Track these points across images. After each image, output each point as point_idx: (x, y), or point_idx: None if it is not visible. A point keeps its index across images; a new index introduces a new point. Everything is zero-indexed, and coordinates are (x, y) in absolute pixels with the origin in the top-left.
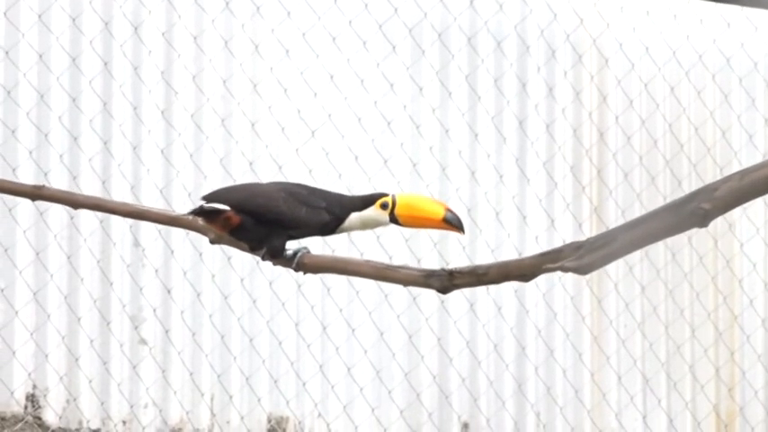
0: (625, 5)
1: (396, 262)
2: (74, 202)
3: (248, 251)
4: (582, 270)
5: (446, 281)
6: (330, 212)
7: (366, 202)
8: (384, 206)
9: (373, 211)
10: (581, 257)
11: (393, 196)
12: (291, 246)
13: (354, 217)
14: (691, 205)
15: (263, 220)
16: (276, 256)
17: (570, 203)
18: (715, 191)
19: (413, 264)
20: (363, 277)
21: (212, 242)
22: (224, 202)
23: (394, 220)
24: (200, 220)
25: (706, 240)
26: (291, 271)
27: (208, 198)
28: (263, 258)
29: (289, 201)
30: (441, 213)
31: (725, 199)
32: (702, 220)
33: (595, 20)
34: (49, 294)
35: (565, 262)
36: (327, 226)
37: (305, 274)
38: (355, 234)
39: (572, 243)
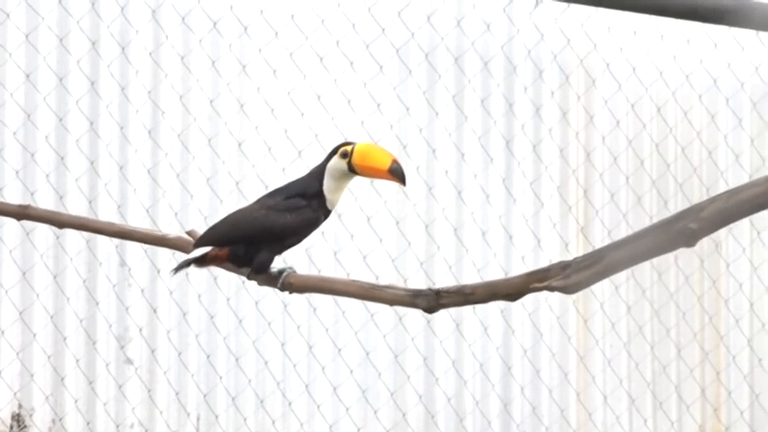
0: (612, 26)
1: (382, 282)
2: (59, 221)
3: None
4: (569, 289)
5: (433, 300)
6: (311, 204)
7: (330, 154)
8: (344, 155)
9: (335, 161)
10: (568, 277)
11: (353, 145)
12: (277, 265)
13: (326, 179)
14: (678, 225)
15: (255, 242)
16: (261, 271)
17: (557, 223)
18: (702, 211)
19: (399, 283)
20: (350, 297)
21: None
22: (209, 243)
23: (352, 169)
24: (193, 267)
25: (692, 260)
26: (277, 291)
27: (196, 245)
28: (249, 277)
29: (270, 215)
30: (387, 163)
31: (712, 219)
32: (689, 239)
33: (582, 40)
34: (35, 314)
35: (552, 281)
36: (318, 218)
37: (291, 293)
38: (341, 255)
39: (559, 262)
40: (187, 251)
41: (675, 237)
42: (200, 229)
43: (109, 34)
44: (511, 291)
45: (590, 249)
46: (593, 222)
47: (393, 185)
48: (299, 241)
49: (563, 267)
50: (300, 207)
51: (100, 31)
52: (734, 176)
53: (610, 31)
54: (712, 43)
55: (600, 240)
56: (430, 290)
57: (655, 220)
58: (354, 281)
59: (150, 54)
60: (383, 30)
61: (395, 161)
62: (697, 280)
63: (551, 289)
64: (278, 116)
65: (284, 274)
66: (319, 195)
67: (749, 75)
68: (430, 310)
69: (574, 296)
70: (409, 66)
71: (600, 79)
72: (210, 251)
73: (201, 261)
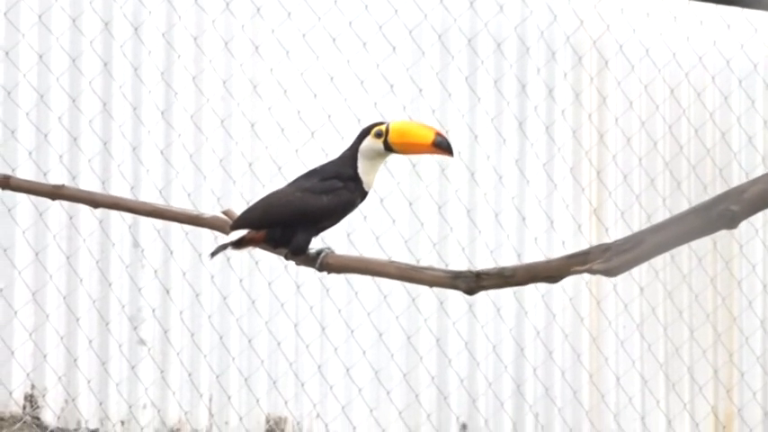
0: (625, 7)
1: (422, 263)
2: (93, 201)
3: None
4: (610, 272)
5: (472, 282)
6: (347, 186)
7: (362, 135)
8: (378, 134)
9: (369, 141)
10: (609, 260)
11: (387, 124)
12: (315, 246)
13: (360, 161)
14: (719, 207)
15: (292, 224)
16: (298, 253)
17: (570, 205)
18: (743, 193)
19: (440, 265)
20: (388, 278)
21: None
22: (245, 226)
23: (389, 147)
24: (230, 249)
25: (705, 242)
26: (290, 271)
27: (232, 227)
28: (286, 258)
29: (306, 198)
30: (430, 137)
31: (753, 201)
32: (730, 222)
33: (595, 21)
34: (48, 294)
35: (593, 264)
36: (354, 200)
37: (329, 273)
38: (354, 236)
39: (600, 245)
40: (223, 231)
41: (716, 219)
42: (216, 210)
43: (122, 15)
44: (551, 273)
45: (603, 231)
46: (605, 204)
47: (440, 158)
48: (335, 223)
49: (604, 250)
50: (337, 189)
51: (113, 11)
52: (747, 158)
53: (623, 12)
54: (725, 24)
55: (613, 222)
56: (470, 271)
57: (668, 202)
58: (393, 262)
59: (163, 35)
60: (396, 11)
61: (438, 134)
62: (710, 261)
63: (593, 272)
64: (291, 97)
65: (322, 254)
66: (355, 178)
67: (762, 56)
68: (470, 291)
69: (587, 277)
70: (422, 47)
71: (613, 61)
72: (247, 234)
73: (238, 244)
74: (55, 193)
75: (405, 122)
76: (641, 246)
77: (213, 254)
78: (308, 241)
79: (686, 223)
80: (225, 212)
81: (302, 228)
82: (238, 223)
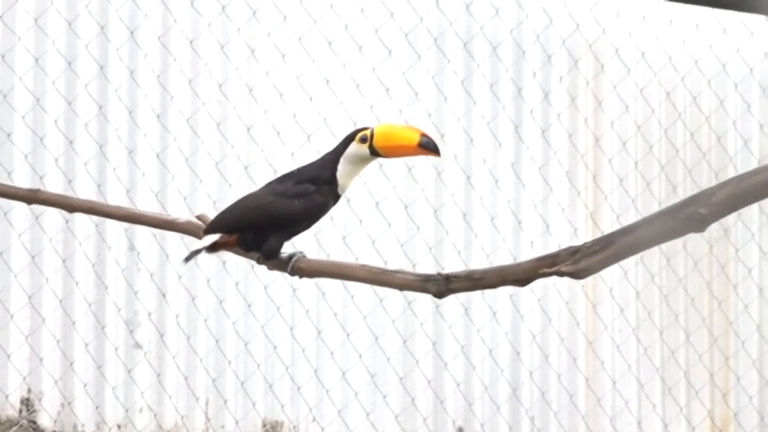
0: (621, 11)
1: (391, 266)
2: (69, 205)
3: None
4: (578, 275)
5: (442, 285)
6: (320, 190)
7: (346, 141)
8: (363, 139)
9: (354, 147)
10: (577, 262)
11: (371, 129)
12: (287, 250)
13: (342, 165)
14: (688, 210)
15: (263, 229)
16: (271, 257)
17: (565, 209)
18: (712, 196)
19: (408, 268)
20: (359, 281)
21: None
22: (218, 230)
23: (374, 152)
24: (204, 252)
25: (701, 246)
26: (287, 275)
27: (205, 231)
28: (258, 262)
29: (278, 202)
30: (416, 139)
31: (722, 204)
32: (699, 225)
33: (591, 25)
34: (44, 298)
35: (561, 266)
36: (327, 204)
37: (300, 278)
38: (350, 239)
39: (568, 248)
40: (197, 235)
41: (685, 222)
42: (210, 214)
43: (118, 18)
44: (520, 276)
45: (599, 234)
46: (601, 207)
47: (427, 159)
48: (308, 227)
49: (572, 253)
50: (309, 193)
51: (109, 15)
52: (743, 161)
53: (619, 15)
54: (721, 28)
55: (609, 225)
56: (440, 275)
57: (663, 206)
58: (364, 265)
59: (159, 38)
60: (392, 14)
61: (423, 134)
62: (706, 265)
63: (561, 274)
64: (287, 100)
65: (294, 258)
66: (331, 181)
67: (758, 60)
68: (440, 294)
69: (583, 281)
70: (418, 50)
71: (609, 64)
72: (220, 238)
73: (212, 248)
74: (31, 197)
75: (389, 126)
76: (610, 248)
77: (187, 259)
78: (280, 245)
79: (655, 226)
80: (198, 217)
81: (274, 232)
82: (211, 227)
